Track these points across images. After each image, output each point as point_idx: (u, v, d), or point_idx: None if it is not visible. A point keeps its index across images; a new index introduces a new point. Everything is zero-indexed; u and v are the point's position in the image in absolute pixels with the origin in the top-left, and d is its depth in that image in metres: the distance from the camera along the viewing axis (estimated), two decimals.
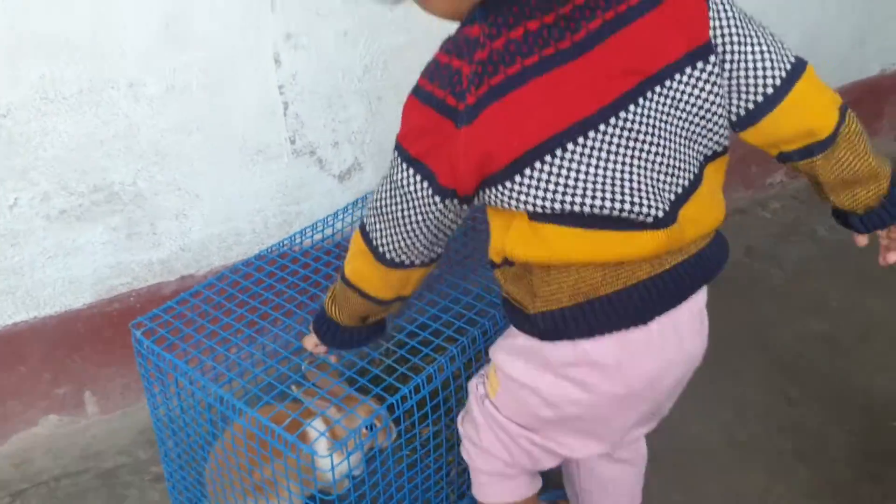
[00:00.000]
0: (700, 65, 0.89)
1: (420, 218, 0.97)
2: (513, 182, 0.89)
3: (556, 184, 0.89)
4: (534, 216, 0.91)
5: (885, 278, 2.09)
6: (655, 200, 0.91)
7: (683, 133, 0.93)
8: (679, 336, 0.99)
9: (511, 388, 1.06)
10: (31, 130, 1.36)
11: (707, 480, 1.52)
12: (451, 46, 0.90)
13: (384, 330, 1.22)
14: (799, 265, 2.15)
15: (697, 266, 0.98)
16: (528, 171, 0.88)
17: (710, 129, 0.94)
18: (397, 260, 1.04)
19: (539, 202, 0.89)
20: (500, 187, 0.90)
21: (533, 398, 1.03)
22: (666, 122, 0.91)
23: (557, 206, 0.89)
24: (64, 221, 1.45)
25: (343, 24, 1.55)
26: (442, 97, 0.88)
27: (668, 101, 0.90)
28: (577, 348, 0.96)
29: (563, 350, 0.97)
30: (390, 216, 0.99)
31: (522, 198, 0.90)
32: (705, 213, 0.98)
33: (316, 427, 1.13)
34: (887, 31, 2.42)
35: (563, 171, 0.88)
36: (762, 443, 1.62)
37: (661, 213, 0.91)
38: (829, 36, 2.31)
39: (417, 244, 1.01)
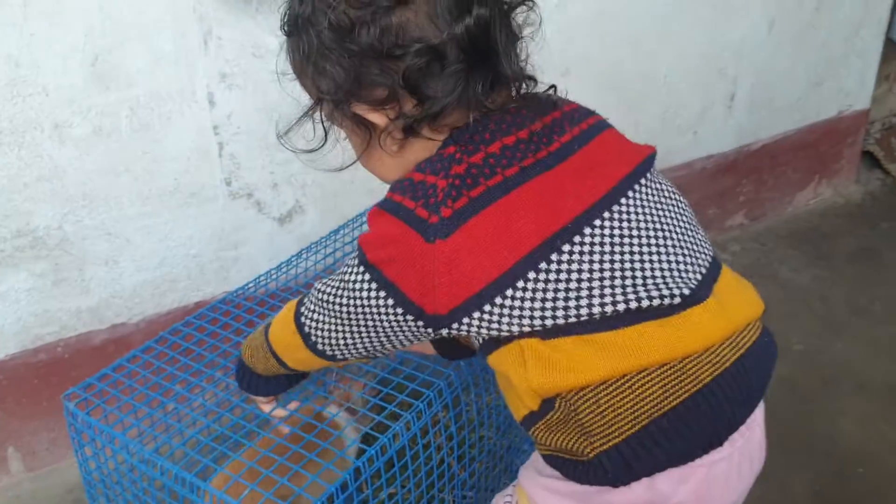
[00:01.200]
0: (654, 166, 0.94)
1: (369, 324, 0.89)
2: (505, 298, 0.82)
3: (559, 290, 0.82)
4: (545, 333, 0.83)
5: (847, 321, 2.05)
6: (676, 280, 0.85)
7: (685, 218, 0.92)
8: (751, 459, 0.90)
9: None
10: None
11: None
12: (424, 166, 0.86)
13: (306, 377, 1.16)
14: None
15: (757, 359, 0.88)
16: (521, 284, 0.82)
17: (698, 228, 0.94)
18: (329, 353, 0.96)
19: (548, 314, 0.82)
20: (487, 308, 0.82)
21: None
22: (663, 208, 0.90)
23: (571, 311, 0.82)
24: None
25: (280, 64, 1.50)
26: (412, 208, 0.83)
27: (656, 189, 0.92)
28: (654, 490, 0.84)
29: (635, 493, 0.85)
30: (332, 311, 0.91)
31: (525, 313, 0.82)
32: (742, 292, 0.92)
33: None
34: (844, 73, 2.42)
35: (564, 275, 0.82)
36: None
37: (686, 291, 0.84)
38: (786, 78, 2.30)
39: (358, 346, 0.93)
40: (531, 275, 0.82)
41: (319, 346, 0.96)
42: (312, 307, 0.95)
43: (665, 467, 0.83)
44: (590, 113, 0.95)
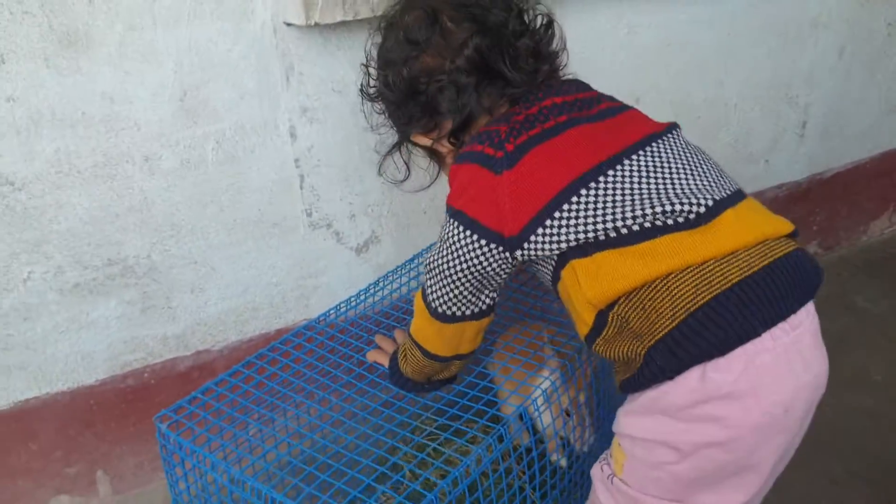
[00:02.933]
0: (680, 131, 1.11)
1: (464, 266, 1.06)
2: (560, 212, 0.98)
3: (602, 205, 0.97)
4: (590, 246, 0.97)
5: None
6: (699, 196, 0.98)
7: (711, 161, 1.07)
8: (804, 359, 0.96)
9: (639, 452, 1.02)
10: (46, 204, 1.37)
11: None
12: (490, 122, 1.09)
13: (453, 381, 1.29)
14: (837, 338, 2.06)
15: (788, 268, 0.96)
16: (574, 199, 0.98)
17: (723, 170, 1.08)
18: (448, 313, 1.12)
19: (590, 227, 0.97)
20: (548, 223, 0.98)
21: (667, 454, 0.98)
22: (690, 151, 1.06)
23: (609, 225, 0.96)
24: (77, 295, 1.44)
25: (358, 98, 1.55)
26: (480, 150, 1.03)
27: (681, 141, 1.08)
28: (706, 381, 0.93)
29: (690, 386, 0.94)
30: (438, 269, 1.10)
31: (572, 226, 0.97)
32: (767, 213, 1.02)
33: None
34: None
35: (610, 193, 0.98)
36: None
37: (710, 203, 0.97)
38: (858, 105, 2.28)
39: (464, 293, 1.10)
40: (582, 191, 0.98)
41: (439, 309, 1.13)
42: (426, 277, 1.13)
43: (707, 356, 0.92)
44: (617, 99, 1.14)
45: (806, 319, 0.96)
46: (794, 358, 0.94)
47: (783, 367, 0.94)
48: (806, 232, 2.38)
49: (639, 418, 1.01)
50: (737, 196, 1.01)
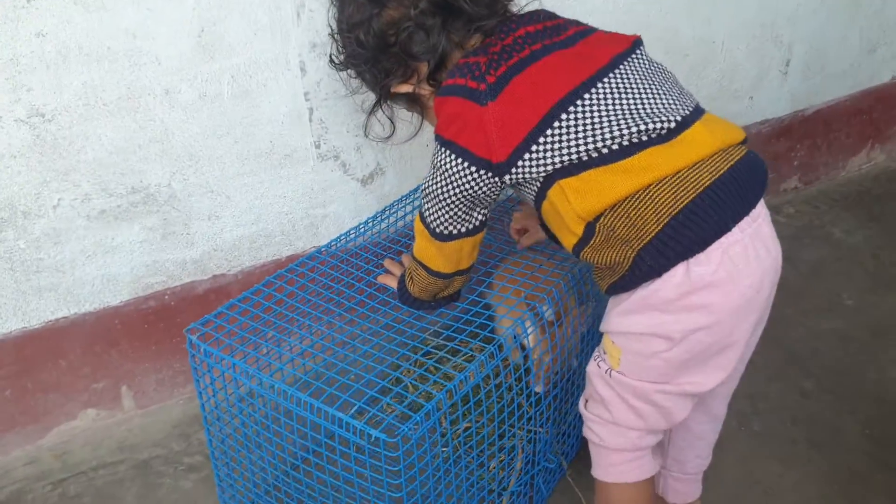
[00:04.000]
0: (643, 48, 1.20)
1: (457, 190, 1.15)
2: (545, 137, 1.07)
3: (582, 129, 1.06)
4: (575, 167, 1.07)
5: None
6: (669, 114, 1.08)
7: (672, 78, 1.18)
8: (765, 245, 1.10)
9: (634, 346, 1.14)
10: (74, 134, 1.45)
11: (725, 467, 1.56)
12: (468, 54, 1.16)
13: (456, 299, 1.39)
14: (813, 266, 2.19)
15: (748, 168, 1.09)
16: (556, 124, 1.07)
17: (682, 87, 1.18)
18: (445, 232, 1.23)
19: (573, 150, 1.06)
20: (534, 148, 1.08)
21: (660, 343, 1.10)
22: (653, 70, 1.16)
23: (591, 146, 1.06)
24: (103, 221, 1.54)
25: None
26: (463, 83, 1.11)
27: (647, 60, 1.17)
28: (690, 275, 1.05)
29: (676, 281, 1.06)
30: (433, 194, 1.19)
31: (557, 149, 1.07)
32: (725, 123, 1.14)
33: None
34: None
35: (588, 115, 1.07)
36: (777, 432, 1.66)
37: (679, 118, 1.08)
38: (840, 44, 2.36)
39: (458, 213, 1.20)
40: (563, 116, 1.07)
41: (437, 230, 1.23)
42: (423, 201, 1.23)
43: (689, 253, 1.04)
44: (581, 22, 1.22)
45: (762, 211, 1.10)
46: (758, 245, 1.08)
47: (751, 254, 1.07)
48: (787, 166, 2.48)
49: (631, 316, 1.12)
50: (698, 111, 1.13)
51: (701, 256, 1.04)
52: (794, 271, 2.15)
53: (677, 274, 1.05)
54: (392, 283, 1.44)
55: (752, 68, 2.23)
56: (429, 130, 1.77)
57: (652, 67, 1.17)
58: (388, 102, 1.32)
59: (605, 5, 1.89)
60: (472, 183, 1.14)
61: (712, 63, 2.15)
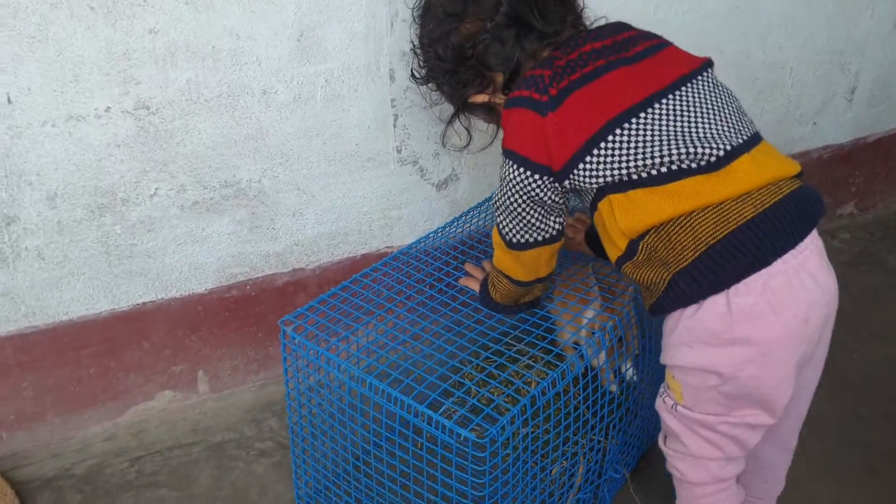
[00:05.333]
0: (711, 70, 1.22)
1: (530, 199, 1.20)
2: (598, 149, 1.12)
3: (633, 147, 1.11)
4: (624, 185, 1.11)
5: None
6: (719, 142, 1.11)
7: (734, 104, 1.19)
8: (813, 276, 1.10)
9: (691, 380, 1.16)
10: (175, 128, 1.52)
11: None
12: (534, 66, 1.20)
13: (537, 305, 1.44)
14: (869, 293, 2.21)
15: (795, 203, 1.10)
16: (610, 138, 1.12)
17: (744, 113, 1.20)
18: (521, 241, 1.27)
19: (623, 167, 1.11)
20: (588, 158, 1.12)
21: (712, 378, 1.13)
22: (715, 94, 1.17)
23: (640, 164, 1.10)
24: (196, 212, 1.60)
25: None
26: (527, 95, 1.17)
27: (712, 84, 1.19)
28: (732, 306, 1.07)
29: (719, 312, 1.08)
30: (504, 204, 1.25)
31: (608, 164, 1.11)
32: (779, 157, 1.16)
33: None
34: None
35: (641, 134, 1.11)
36: (833, 456, 1.69)
37: (729, 147, 1.10)
38: None
39: (532, 221, 1.24)
40: (617, 131, 1.12)
41: (513, 239, 1.28)
42: (497, 214, 1.29)
43: (725, 284, 1.07)
44: (655, 35, 1.25)
45: (811, 244, 1.10)
46: (804, 276, 1.08)
47: (795, 285, 1.07)
48: (844, 192, 2.51)
49: (682, 349, 1.14)
50: (753, 140, 1.14)
51: (741, 287, 1.06)
52: (848, 297, 2.16)
53: (719, 304, 1.07)
54: (474, 286, 1.49)
55: (818, 94, 2.26)
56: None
57: (716, 91, 1.18)
58: (466, 113, 1.39)
59: (680, 28, 1.93)
60: (537, 189, 1.19)
61: (780, 88, 2.18)
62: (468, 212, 1.72)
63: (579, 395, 1.38)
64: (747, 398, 1.14)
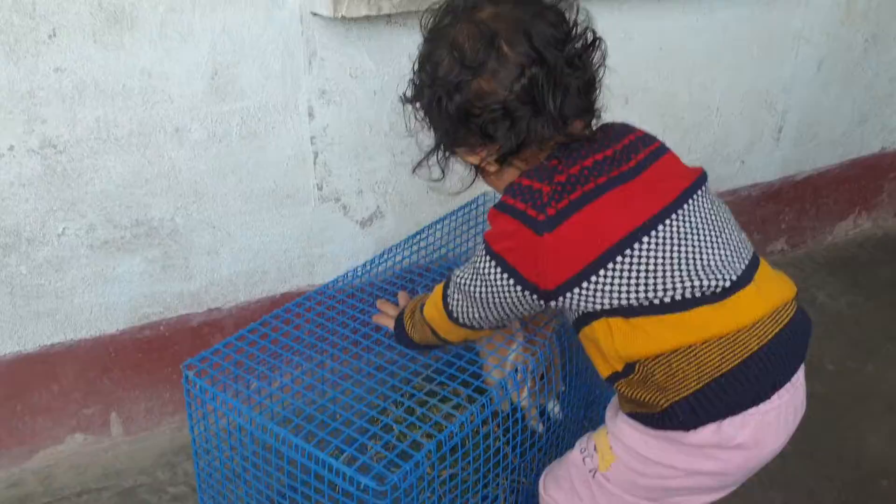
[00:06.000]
0: (707, 185, 1.15)
1: (498, 300, 1.13)
2: (597, 276, 1.04)
3: (636, 275, 1.04)
4: (624, 311, 1.05)
5: (881, 346, 2.17)
6: (724, 272, 1.06)
7: (730, 223, 1.14)
8: (795, 409, 1.11)
9: (635, 464, 1.13)
10: (84, 167, 1.48)
11: None
12: (532, 173, 1.10)
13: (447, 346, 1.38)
14: None
15: (794, 333, 1.09)
16: (610, 266, 1.04)
17: (741, 231, 1.16)
18: (469, 324, 1.22)
19: (624, 295, 1.04)
20: (584, 285, 1.05)
21: (663, 471, 1.11)
22: (713, 214, 1.12)
23: (643, 295, 1.04)
24: (106, 251, 1.57)
25: (373, 84, 1.68)
26: (523, 209, 1.07)
27: (709, 201, 1.13)
28: (721, 433, 1.05)
29: (704, 435, 1.06)
30: (469, 294, 1.17)
31: (614, 291, 1.04)
32: (778, 280, 1.13)
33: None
34: (889, 111, 2.54)
35: (644, 261, 1.04)
36: (754, 495, 1.69)
37: (734, 277, 1.06)
38: (832, 114, 2.43)
39: (490, 318, 1.18)
40: (619, 258, 1.04)
41: (461, 320, 1.22)
42: (453, 292, 1.21)
43: (724, 415, 1.05)
44: (654, 139, 1.18)
45: (801, 373, 1.11)
46: (789, 411, 1.09)
47: (782, 422, 1.08)
48: (774, 229, 2.54)
49: (644, 438, 1.11)
50: (753, 264, 1.10)
51: (736, 419, 1.05)
52: None
53: (708, 428, 1.06)
54: (387, 324, 1.45)
55: (746, 133, 2.29)
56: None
57: (713, 210, 1.13)
58: (447, 154, 1.22)
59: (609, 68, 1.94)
60: (515, 300, 1.11)
61: (706, 127, 2.21)
62: (390, 249, 1.70)
63: (500, 437, 1.36)
64: (682, 494, 1.14)
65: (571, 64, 1.07)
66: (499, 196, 1.18)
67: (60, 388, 1.66)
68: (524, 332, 1.42)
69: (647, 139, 1.17)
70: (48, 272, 1.54)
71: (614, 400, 1.21)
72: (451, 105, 1.09)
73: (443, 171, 1.25)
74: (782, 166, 2.43)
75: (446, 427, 1.24)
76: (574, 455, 1.23)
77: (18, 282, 1.53)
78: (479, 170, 1.21)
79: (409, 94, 1.20)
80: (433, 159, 1.24)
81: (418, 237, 1.73)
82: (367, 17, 1.57)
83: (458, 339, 1.30)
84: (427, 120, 1.19)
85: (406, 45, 1.66)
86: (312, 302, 1.53)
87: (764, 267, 1.13)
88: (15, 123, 1.40)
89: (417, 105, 1.18)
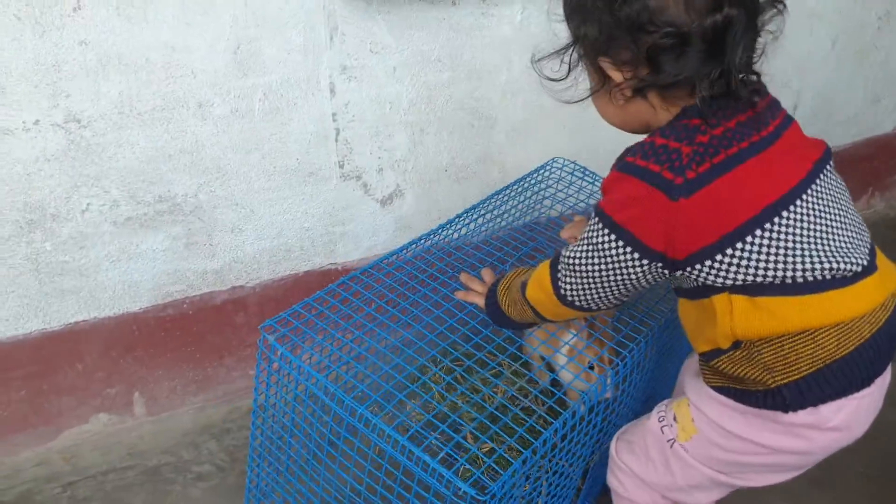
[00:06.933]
0: (832, 159, 1.11)
1: (619, 277, 1.06)
2: (734, 249, 0.99)
3: (774, 251, 0.99)
4: (753, 288, 1.00)
5: None
6: (855, 255, 1.03)
7: (851, 202, 1.10)
8: (882, 393, 1.10)
9: (718, 438, 1.13)
10: (107, 141, 1.48)
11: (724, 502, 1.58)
12: (668, 131, 1.01)
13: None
14: None
15: (894, 323, 1.08)
16: (749, 239, 0.98)
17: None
18: (577, 303, 1.14)
19: (760, 272, 0.99)
20: (718, 257, 0.99)
21: (745, 446, 1.10)
22: (840, 192, 1.08)
23: (779, 273, 0.99)
24: (129, 228, 1.57)
25: (393, 60, 1.67)
26: (657, 171, 0.98)
27: (835, 178, 1.08)
28: (819, 415, 1.04)
29: (801, 416, 1.05)
30: (584, 272, 1.09)
31: (743, 266, 0.99)
32: (889, 266, 1.11)
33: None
34: None
35: (782, 237, 0.99)
36: None
37: (865, 262, 1.03)
38: (846, 93, 2.43)
39: (609, 297, 1.11)
40: (758, 232, 0.98)
41: (577, 303, 1.14)
42: (565, 273, 1.12)
43: (829, 399, 1.04)
44: (781, 106, 1.11)
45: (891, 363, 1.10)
46: (881, 396, 1.09)
47: (872, 408, 1.08)
48: None
49: (732, 414, 1.10)
50: (873, 251, 1.08)
51: (835, 403, 1.04)
52: None
53: (807, 410, 1.05)
54: (475, 300, 1.38)
55: None
56: (452, 156, 1.82)
57: (839, 187, 1.09)
58: (582, 59, 1.09)
59: None
60: (638, 272, 1.04)
61: None
62: (445, 224, 1.63)
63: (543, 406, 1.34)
64: (760, 469, 1.14)
65: (763, 22, 1.01)
66: (607, 125, 1.12)
67: (85, 367, 1.66)
68: (581, 324, 1.39)
69: (774, 106, 1.09)
70: (72, 249, 1.54)
71: (691, 368, 1.19)
72: (629, 8, 0.97)
73: (569, 71, 1.11)
74: None
75: (531, 441, 1.18)
76: (652, 423, 1.21)
77: (44, 259, 1.52)
78: (605, 90, 1.08)
79: None
80: (566, 56, 1.10)
81: (450, 226, 1.66)
82: None
83: (557, 318, 1.24)
84: (585, 14, 1.04)
85: (425, 21, 1.66)
86: (371, 276, 1.45)
87: (879, 251, 1.10)
88: (41, 97, 1.40)
89: (578, 6, 1.05)
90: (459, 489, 1.07)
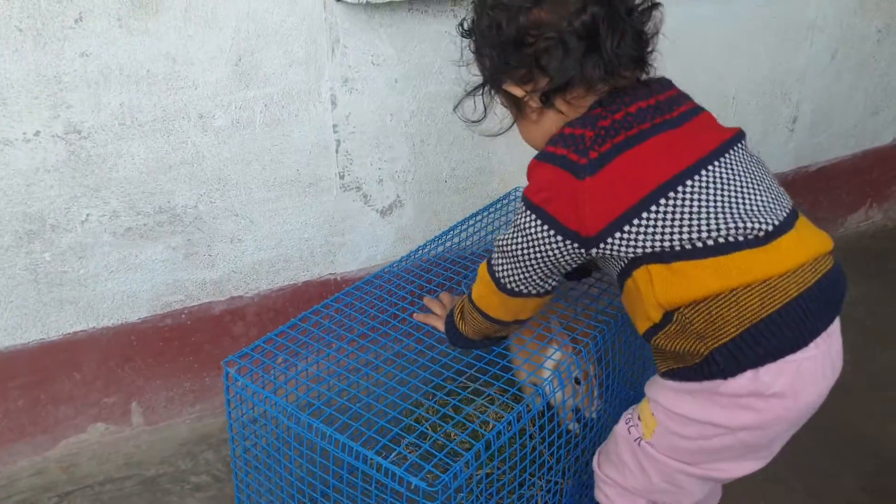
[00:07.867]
0: (745, 140, 1.18)
1: (542, 256, 1.14)
2: (640, 220, 1.05)
3: (679, 217, 1.05)
4: (667, 255, 1.06)
5: (893, 332, 2.17)
6: (767, 216, 1.07)
7: (770, 176, 1.15)
8: (832, 362, 1.10)
9: (675, 426, 1.14)
10: (108, 152, 1.48)
11: None
12: (574, 122, 1.11)
13: (504, 339, 1.39)
14: None
15: (832, 283, 1.10)
16: (653, 208, 1.05)
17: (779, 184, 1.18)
18: (516, 290, 1.22)
19: (667, 238, 1.05)
20: (626, 228, 1.06)
21: (702, 430, 1.11)
22: (754, 165, 1.14)
23: (686, 237, 1.05)
24: (129, 238, 1.56)
25: (394, 72, 1.68)
26: (564, 154, 1.09)
27: (749, 153, 1.15)
28: (758, 381, 1.05)
29: (740, 383, 1.05)
30: (511, 253, 1.18)
31: (657, 234, 1.05)
32: (816, 233, 1.13)
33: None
34: None
35: (687, 204, 1.05)
36: (776, 482, 1.69)
37: (777, 222, 1.07)
38: (845, 105, 2.43)
39: (535, 277, 1.19)
40: (662, 201, 1.05)
41: (509, 286, 1.22)
42: (497, 256, 1.22)
43: (764, 362, 1.04)
44: (690, 98, 1.20)
45: (837, 326, 1.11)
46: (826, 363, 1.08)
47: (818, 372, 1.07)
48: None
49: (682, 396, 1.12)
50: (794, 213, 1.11)
51: (773, 366, 1.04)
52: None
53: (745, 376, 1.05)
54: (435, 324, 1.43)
55: (760, 124, 2.29)
56: (452, 167, 1.82)
57: (753, 161, 1.15)
58: (492, 92, 1.23)
59: None
60: (556, 251, 1.12)
61: (723, 118, 2.18)
62: (424, 245, 1.66)
63: (535, 436, 1.34)
64: (726, 455, 1.14)
65: (631, 12, 1.09)
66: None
67: (82, 377, 1.66)
68: (561, 337, 1.41)
69: (685, 95, 1.19)
70: (71, 259, 1.54)
71: (654, 377, 1.21)
72: (509, 29, 1.10)
73: (485, 109, 1.25)
74: (796, 157, 2.43)
75: (483, 434, 1.22)
76: (620, 427, 1.23)
77: (42, 269, 1.52)
78: (520, 113, 1.19)
79: (466, 25, 1.21)
80: (478, 96, 1.24)
81: (451, 232, 1.69)
82: (390, 3, 1.57)
83: (509, 318, 1.29)
84: (480, 50, 1.18)
85: (426, 34, 1.66)
86: (350, 298, 1.48)
87: (803, 218, 1.13)
88: (41, 108, 1.40)
89: (469, 31, 1.20)
90: (410, 484, 1.10)
